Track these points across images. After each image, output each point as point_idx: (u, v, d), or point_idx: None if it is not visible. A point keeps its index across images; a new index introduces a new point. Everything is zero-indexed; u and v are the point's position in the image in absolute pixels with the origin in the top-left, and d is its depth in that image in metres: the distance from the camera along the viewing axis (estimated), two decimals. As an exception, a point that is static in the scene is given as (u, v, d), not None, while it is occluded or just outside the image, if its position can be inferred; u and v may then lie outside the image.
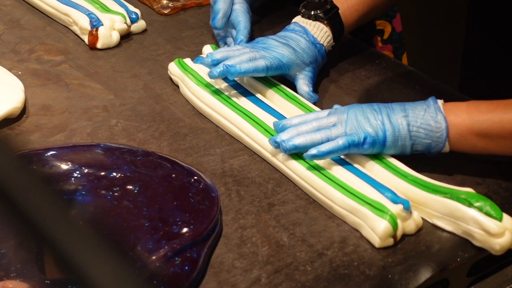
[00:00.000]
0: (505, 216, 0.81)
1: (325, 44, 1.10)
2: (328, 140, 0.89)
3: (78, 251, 0.37)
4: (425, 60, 1.39)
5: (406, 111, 0.90)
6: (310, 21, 1.11)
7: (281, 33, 1.10)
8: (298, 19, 1.12)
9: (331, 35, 1.11)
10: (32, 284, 0.71)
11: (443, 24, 1.23)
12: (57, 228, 0.37)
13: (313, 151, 0.88)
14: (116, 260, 0.37)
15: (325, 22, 1.10)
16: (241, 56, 1.03)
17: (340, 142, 0.88)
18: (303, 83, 1.06)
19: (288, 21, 1.14)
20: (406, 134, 0.89)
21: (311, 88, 1.06)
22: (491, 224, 0.80)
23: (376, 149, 0.90)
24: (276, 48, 1.05)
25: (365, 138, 0.89)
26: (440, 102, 0.91)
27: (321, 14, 1.10)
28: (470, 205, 0.82)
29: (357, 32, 1.26)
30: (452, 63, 1.36)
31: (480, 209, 0.81)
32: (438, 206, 0.84)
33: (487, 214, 0.81)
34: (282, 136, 0.91)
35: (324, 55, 1.10)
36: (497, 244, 0.80)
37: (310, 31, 1.09)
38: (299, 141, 0.90)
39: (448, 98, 1.09)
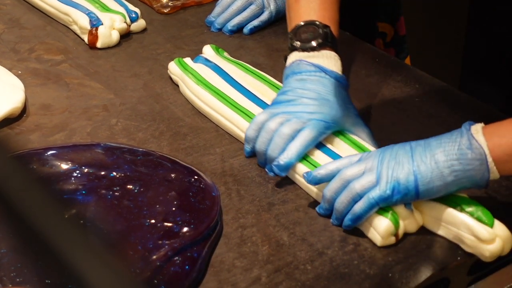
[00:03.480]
0: (497, 222, 0.80)
1: (341, 72, 1.00)
2: (358, 196, 0.82)
3: (78, 251, 0.37)
4: (427, 62, 1.39)
5: (440, 146, 0.82)
6: (314, 53, 1.00)
7: (298, 81, 0.97)
8: (299, 55, 1.00)
9: (337, 55, 1.02)
10: (32, 286, 0.71)
11: (445, 26, 1.23)
12: (57, 227, 0.37)
13: (348, 218, 0.83)
14: (116, 260, 0.37)
15: (327, 47, 1.00)
16: (283, 132, 0.91)
17: (364, 205, 0.82)
18: (360, 132, 0.96)
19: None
20: (442, 173, 0.80)
21: (369, 131, 0.97)
22: (482, 230, 0.79)
23: (410, 198, 0.82)
24: (313, 108, 0.93)
25: (393, 189, 0.81)
26: (478, 126, 0.82)
27: (321, 41, 1.00)
28: (461, 210, 0.81)
29: (358, 35, 1.27)
30: (453, 64, 1.37)
31: (471, 214, 0.81)
32: (430, 210, 0.84)
33: (479, 219, 0.80)
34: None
35: (348, 84, 1.00)
36: (487, 250, 0.79)
37: (325, 67, 0.98)
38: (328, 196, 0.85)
39: (448, 97, 1.09)
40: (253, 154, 0.95)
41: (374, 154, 0.85)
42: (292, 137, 0.90)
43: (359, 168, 0.84)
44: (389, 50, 1.51)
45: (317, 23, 1.01)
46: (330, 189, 0.84)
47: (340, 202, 0.83)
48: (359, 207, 0.82)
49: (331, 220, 0.85)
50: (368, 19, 1.54)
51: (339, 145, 0.94)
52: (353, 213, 0.82)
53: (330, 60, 0.99)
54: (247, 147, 0.95)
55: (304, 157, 0.91)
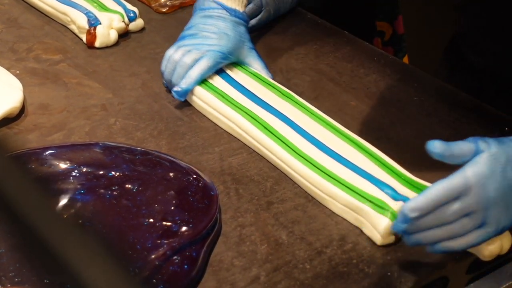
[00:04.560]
0: None
1: (243, 9, 1.12)
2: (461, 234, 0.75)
3: (76, 251, 0.37)
4: (425, 61, 1.39)
5: None
6: None
7: (201, 18, 1.10)
8: None
9: None
10: (30, 286, 0.71)
11: (444, 25, 1.23)
12: (55, 227, 0.37)
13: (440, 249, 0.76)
14: (115, 259, 0.37)
15: None
16: (183, 61, 1.04)
17: (463, 245, 0.75)
18: (254, 63, 1.09)
19: (290, 19, 1.14)
20: None
21: (263, 64, 1.10)
22: None
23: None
24: (212, 41, 1.06)
25: (497, 233, 0.75)
26: None
27: None
28: None
29: (357, 33, 1.27)
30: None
31: None
32: None
33: None
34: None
35: (247, 20, 1.13)
36: (486, 249, 0.79)
37: (228, 5, 1.10)
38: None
39: (446, 96, 1.09)
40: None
41: (477, 192, 0.73)
42: (191, 66, 1.03)
43: (462, 210, 0.73)
44: (387, 49, 1.51)
45: None
46: (425, 221, 0.75)
47: (433, 236, 0.75)
48: (457, 244, 0.75)
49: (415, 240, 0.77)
50: (367, 18, 1.54)
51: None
52: (448, 248, 0.76)
53: (234, 2, 1.11)
54: (163, 81, 1.09)
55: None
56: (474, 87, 1.16)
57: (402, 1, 1.53)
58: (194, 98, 1.05)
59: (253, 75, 1.08)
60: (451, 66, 1.25)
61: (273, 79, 1.07)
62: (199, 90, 1.05)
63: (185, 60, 1.04)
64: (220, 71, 1.07)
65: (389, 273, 0.79)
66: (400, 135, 1.01)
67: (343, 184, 0.86)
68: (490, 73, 1.17)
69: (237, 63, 1.10)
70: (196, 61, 1.04)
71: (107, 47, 1.21)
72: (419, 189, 0.86)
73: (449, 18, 1.27)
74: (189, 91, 1.04)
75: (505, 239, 0.80)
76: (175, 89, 1.04)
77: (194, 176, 0.87)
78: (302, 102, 1.02)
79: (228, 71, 1.07)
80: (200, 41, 1.06)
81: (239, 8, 1.11)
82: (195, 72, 1.03)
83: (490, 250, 0.79)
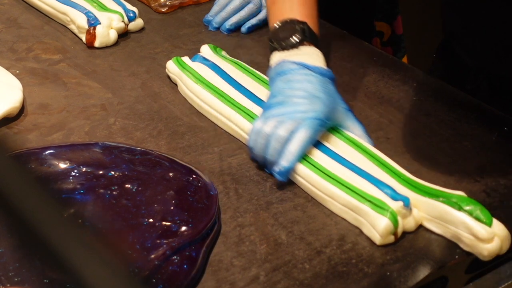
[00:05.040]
0: (495, 221, 0.80)
1: (325, 65, 0.99)
2: None
3: (76, 250, 0.37)
4: (424, 61, 1.39)
5: None
6: (294, 50, 1.00)
7: (284, 82, 0.96)
8: (281, 55, 1.00)
9: (318, 50, 1.01)
10: (30, 286, 0.71)
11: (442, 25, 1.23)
12: (55, 227, 0.37)
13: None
14: (114, 259, 0.37)
15: (306, 43, 1.01)
16: (278, 134, 0.90)
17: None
18: (353, 128, 0.95)
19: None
20: None
21: (363, 128, 0.96)
22: (480, 229, 0.79)
23: None
24: (304, 107, 0.92)
25: None
26: None
27: (299, 36, 1.00)
28: (460, 208, 0.81)
29: (356, 33, 1.27)
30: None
31: (470, 213, 0.80)
32: (428, 209, 0.84)
33: (477, 218, 0.80)
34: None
35: (334, 77, 0.99)
36: (486, 249, 0.79)
37: (310, 64, 0.97)
38: None
39: (446, 96, 1.09)
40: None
41: None
42: (288, 139, 0.89)
43: None
44: (386, 49, 1.51)
45: (294, 20, 1.02)
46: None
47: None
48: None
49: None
50: (366, 18, 1.54)
51: (335, 143, 0.94)
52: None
53: (311, 56, 0.99)
54: (252, 155, 0.94)
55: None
56: (468, 88, 1.16)
57: (401, 1, 1.53)
58: (193, 97, 1.05)
59: (252, 74, 1.08)
60: (445, 66, 1.25)
61: (374, 146, 0.94)
62: (199, 90, 1.05)
63: (279, 133, 0.89)
64: (219, 71, 1.07)
65: (388, 273, 0.79)
66: (399, 135, 1.01)
67: (342, 184, 0.86)
68: (483, 72, 1.17)
69: (235, 61, 1.10)
70: (292, 132, 0.89)
71: (106, 47, 1.21)
72: (418, 189, 0.86)
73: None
74: (291, 169, 0.89)
75: (504, 239, 0.80)
76: (277, 169, 0.89)
77: (194, 176, 0.87)
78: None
79: (228, 71, 1.07)
80: (291, 109, 0.91)
81: (322, 64, 0.98)
82: (295, 146, 0.89)
83: (489, 250, 0.79)
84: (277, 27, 1.03)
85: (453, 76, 1.21)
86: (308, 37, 1.01)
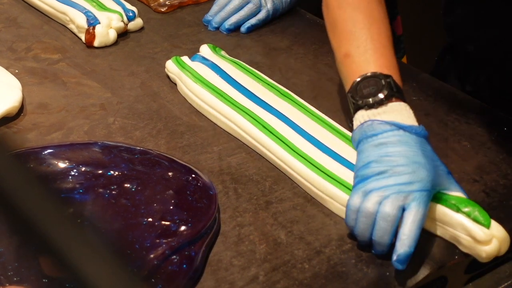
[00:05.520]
0: (493, 223, 0.80)
1: (417, 122, 0.87)
2: None
3: (75, 250, 0.37)
4: (425, 61, 1.39)
5: None
6: (382, 108, 0.87)
7: (377, 147, 0.84)
8: (367, 114, 0.88)
9: (407, 105, 0.89)
10: (29, 285, 0.71)
11: (442, 26, 1.23)
12: (54, 226, 0.37)
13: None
14: (114, 259, 0.37)
15: (394, 99, 0.88)
16: (386, 213, 0.79)
17: None
18: (456, 192, 0.84)
19: (289, 19, 1.13)
20: None
21: (463, 192, 0.84)
22: (478, 231, 0.79)
23: None
24: (408, 177, 0.81)
25: None
26: None
27: (386, 92, 0.88)
28: (458, 210, 0.81)
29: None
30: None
31: (468, 214, 0.80)
32: None
33: (475, 220, 0.80)
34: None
35: (428, 135, 0.87)
36: (484, 251, 0.79)
37: (404, 123, 0.86)
38: None
39: (445, 96, 1.09)
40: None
41: None
42: (398, 217, 0.79)
43: None
44: (386, 49, 1.51)
45: (377, 74, 0.89)
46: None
47: None
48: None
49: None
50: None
51: (335, 143, 0.93)
52: None
53: (402, 113, 0.87)
54: (353, 233, 0.83)
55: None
56: (469, 90, 1.16)
57: (400, 2, 1.53)
58: (193, 97, 1.05)
59: (252, 74, 1.08)
60: (447, 68, 1.25)
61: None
62: (198, 89, 1.05)
63: (387, 211, 0.78)
64: (219, 70, 1.07)
65: (387, 273, 0.79)
66: (399, 135, 1.00)
67: (342, 184, 0.86)
68: (486, 69, 1.16)
69: (234, 61, 1.10)
70: (400, 208, 0.79)
71: (106, 46, 1.21)
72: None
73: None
74: (411, 256, 0.78)
75: (503, 241, 0.80)
76: (395, 257, 0.77)
77: (193, 175, 0.87)
78: (301, 102, 1.02)
79: (227, 71, 1.07)
80: (393, 181, 0.80)
81: (414, 122, 0.87)
82: (411, 228, 0.78)
83: (487, 251, 0.79)
84: (358, 81, 0.90)
85: (455, 78, 1.21)
86: (396, 92, 0.89)
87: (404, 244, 0.77)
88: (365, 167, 0.83)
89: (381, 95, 0.88)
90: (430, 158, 0.83)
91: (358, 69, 0.91)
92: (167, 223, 0.80)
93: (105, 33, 1.20)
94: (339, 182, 0.87)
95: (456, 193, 0.83)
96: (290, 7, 1.32)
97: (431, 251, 0.82)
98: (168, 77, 1.13)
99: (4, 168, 0.39)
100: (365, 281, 0.78)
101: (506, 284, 0.84)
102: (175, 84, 1.11)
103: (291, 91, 1.04)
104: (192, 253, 0.78)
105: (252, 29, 1.27)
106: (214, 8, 1.29)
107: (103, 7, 1.23)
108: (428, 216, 0.83)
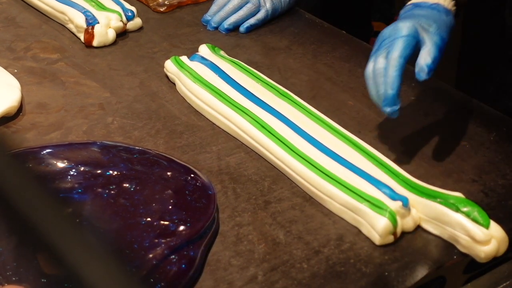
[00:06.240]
0: (492, 223, 0.80)
1: (449, 7, 0.97)
2: None
3: (74, 250, 0.37)
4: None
5: None
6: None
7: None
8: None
9: None
10: (28, 284, 0.71)
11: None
12: (53, 226, 0.37)
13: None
14: (112, 258, 0.37)
15: None
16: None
17: None
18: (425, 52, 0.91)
19: (288, 19, 1.14)
20: None
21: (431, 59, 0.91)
22: (477, 231, 0.79)
23: None
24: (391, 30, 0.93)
25: None
26: None
27: None
28: (457, 210, 0.81)
29: (353, 33, 1.27)
30: (449, 63, 1.36)
31: (467, 214, 0.80)
32: (426, 209, 0.84)
33: (475, 220, 0.80)
34: None
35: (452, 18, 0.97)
36: (482, 251, 0.79)
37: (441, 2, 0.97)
38: None
39: (444, 95, 1.09)
40: None
41: None
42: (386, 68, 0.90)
43: None
44: (384, 49, 1.51)
45: None
46: None
47: None
48: None
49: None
50: (363, 18, 1.54)
51: (334, 143, 0.93)
52: None
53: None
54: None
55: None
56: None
57: (398, 1, 1.53)
58: (192, 97, 1.05)
59: (251, 74, 1.08)
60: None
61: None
62: (197, 89, 1.05)
63: (378, 66, 0.92)
64: (218, 70, 1.07)
65: (386, 273, 0.79)
66: (398, 134, 1.01)
67: (341, 184, 0.86)
68: None
69: (233, 61, 1.10)
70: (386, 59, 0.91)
71: (105, 46, 1.21)
72: (416, 189, 0.86)
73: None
74: (397, 95, 0.89)
75: (501, 241, 0.80)
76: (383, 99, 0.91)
77: (192, 175, 0.87)
78: (299, 102, 1.02)
79: (226, 70, 1.07)
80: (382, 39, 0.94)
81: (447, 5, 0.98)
82: (392, 69, 0.90)
83: (486, 252, 0.79)
84: None
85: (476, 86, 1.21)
86: None
87: (390, 86, 0.89)
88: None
89: None
90: (430, 18, 0.94)
91: None
92: (166, 223, 0.80)
93: (104, 32, 1.20)
94: (337, 182, 0.87)
95: (456, 194, 0.83)
96: (289, 7, 1.32)
97: (430, 251, 0.82)
98: (167, 77, 1.13)
99: (3, 168, 0.39)
100: (364, 281, 0.78)
101: (504, 284, 0.84)
102: (174, 84, 1.11)
103: (290, 91, 1.05)
104: (191, 253, 0.78)
105: (251, 29, 1.27)
106: (213, 8, 1.29)
107: (102, 7, 1.23)
108: (427, 215, 0.83)
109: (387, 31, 0.94)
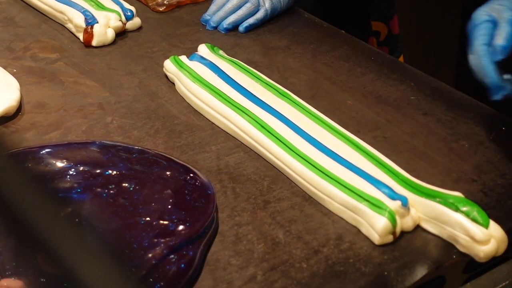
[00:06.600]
0: (492, 223, 0.80)
1: None
2: None
3: (73, 250, 0.37)
4: (422, 60, 1.39)
5: None
6: None
7: None
8: None
9: None
10: (26, 282, 0.71)
11: (440, 25, 1.23)
12: (52, 226, 0.37)
13: None
14: (112, 258, 0.37)
15: None
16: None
17: None
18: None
19: (287, 18, 1.13)
20: None
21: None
22: (476, 230, 0.79)
23: None
24: None
25: None
26: None
27: None
28: (456, 209, 0.81)
29: (352, 33, 1.27)
30: (448, 63, 1.37)
31: (467, 214, 0.80)
32: (425, 209, 0.84)
33: (474, 220, 0.80)
34: None
35: None
36: (482, 251, 0.79)
37: None
38: None
39: (443, 95, 1.09)
40: None
41: None
42: None
43: None
44: (382, 49, 1.51)
45: None
46: None
47: None
48: None
49: None
50: (362, 18, 1.54)
51: (333, 142, 0.93)
52: None
53: None
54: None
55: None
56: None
57: (397, 1, 1.53)
58: (191, 96, 1.05)
59: (250, 73, 1.08)
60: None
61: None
62: (196, 89, 1.05)
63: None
64: (217, 70, 1.07)
65: (386, 273, 0.79)
66: (397, 134, 1.01)
67: (340, 183, 0.86)
68: None
69: (232, 60, 1.10)
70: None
71: (104, 46, 1.21)
72: (415, 189, 0.86)
73: (445, 17, 1.27)
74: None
75: (501, 241, 0.80)
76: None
77: (191, 175, 0.87)
78: (299, 101, 1.02)
79: (226, 70, 1.07)
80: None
81: None
82: None
83: (485, 251, 0.79)
84: None
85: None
86: None
87: None
88: None
89: None
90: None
91: None
92: (165, 222, 0.80)
93: (103, 32, 1.20)
94: (337, 181, 0.87)
95: (456, 193, 0.83)
96: (288, 6, 1.32)
97: (429, 251, 0.82)
98: (166, 76, 1.13)
99: (2, 167, 0.38)
100: (363, 280, 0.78)
101: (504, 284, 0.84)
102: (173, 84, 1.11)
103: (289, 91, 1.05)
104: (190, 253, 0.78)
105: (250, 28, 1.27)
106: (212, 7, 1.29)
107: (101, 7, 1.23)
108: (426, 215, 0.83)
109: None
